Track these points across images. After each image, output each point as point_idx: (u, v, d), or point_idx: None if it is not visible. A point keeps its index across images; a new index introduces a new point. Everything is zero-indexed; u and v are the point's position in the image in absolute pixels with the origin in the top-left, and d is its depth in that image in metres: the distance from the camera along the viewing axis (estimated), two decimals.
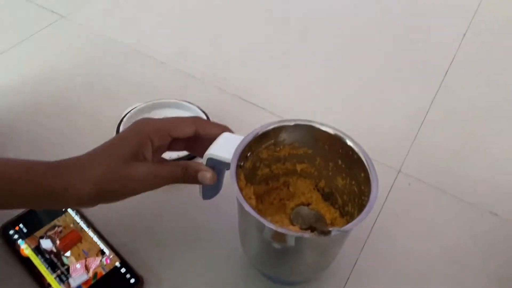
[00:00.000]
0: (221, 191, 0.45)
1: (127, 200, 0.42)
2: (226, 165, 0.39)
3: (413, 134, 0.61)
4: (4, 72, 0.67)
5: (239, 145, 0.39)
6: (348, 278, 0.46)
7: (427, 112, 0.64)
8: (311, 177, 0.45)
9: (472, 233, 0.51)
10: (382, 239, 0.49)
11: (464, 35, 0.78)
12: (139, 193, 0.39)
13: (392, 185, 0.55)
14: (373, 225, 0.50)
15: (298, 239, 0.35)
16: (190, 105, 0.59)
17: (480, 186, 0.55)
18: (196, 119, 0.42)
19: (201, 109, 0.58)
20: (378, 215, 0.51)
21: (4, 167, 0.37)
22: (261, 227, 0.36)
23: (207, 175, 0.39)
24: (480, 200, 0.53)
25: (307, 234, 0.34)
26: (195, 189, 0.44)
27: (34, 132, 0.58)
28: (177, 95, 0.60)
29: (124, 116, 0.57)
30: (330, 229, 0.33)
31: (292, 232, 0.34)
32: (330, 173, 0.44)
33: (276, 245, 0.36)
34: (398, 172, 0.56)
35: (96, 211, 0.49)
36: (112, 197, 0.38)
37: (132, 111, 0.57)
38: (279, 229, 0.34)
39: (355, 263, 0.47)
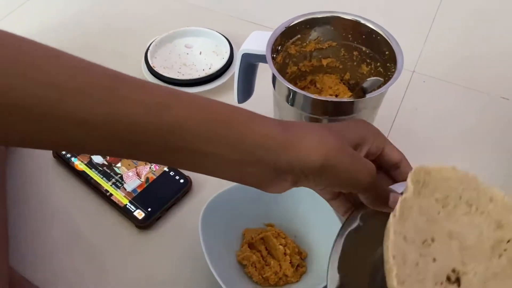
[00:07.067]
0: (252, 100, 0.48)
1: None
2: (260, 59, 0.42)
3: (424, 36, 0.64)
4: (25, 21, 0.69)
5: (270, 37, 0.42)
6: None
7: (435, 14, 0.68)
8: (336, 71, 0.49)
9: (485, 116, 0.55)
10: (402, 132, 0.54)
11: None
12: (362, 187, 0.31)
13: (408, 84, 0.58)
14: (394, 119, 0.54)
15: (335, 104, 0.39)
16: (211, 31, 0.62)
17: (490, 75, 0.59)
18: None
19: (222, 34, 0.61)
20: (397, 111, 0.55)
21: (216, 107, 0.29)
22: (300, 100, 0.40)
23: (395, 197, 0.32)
24: (491, 88, 0.57)
25: (342, 99, 0.38)
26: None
27: None
28: (193, 25, 0.63)
29: (149, 46, 0.60)
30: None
31: (329, 97, 0.38)
32: (355, 63, 0.47)
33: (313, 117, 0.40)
34: (413, 72, 0.60)
35: None
36: (330, 178, 0.31)
37: (156, 40, 0.60)
38: (316, 97, 0.38)
39: None
